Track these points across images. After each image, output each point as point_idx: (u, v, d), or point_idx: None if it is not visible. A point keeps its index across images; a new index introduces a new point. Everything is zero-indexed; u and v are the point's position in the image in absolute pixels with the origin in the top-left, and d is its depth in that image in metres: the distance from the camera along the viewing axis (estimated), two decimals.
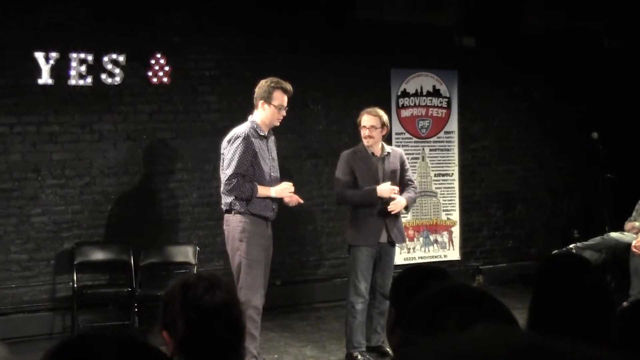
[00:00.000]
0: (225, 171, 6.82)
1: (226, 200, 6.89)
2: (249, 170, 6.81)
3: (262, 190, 6.83)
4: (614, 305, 2.79)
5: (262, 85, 6.97)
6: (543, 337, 0.93)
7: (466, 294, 1.87)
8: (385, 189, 7.19)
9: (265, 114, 6.94)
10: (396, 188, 7.23)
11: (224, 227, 7.02)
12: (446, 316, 1.73)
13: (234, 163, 6.75)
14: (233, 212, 6.84)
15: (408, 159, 8.16)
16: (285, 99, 6.98)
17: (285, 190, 7.00)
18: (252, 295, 6.75)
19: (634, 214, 10.00)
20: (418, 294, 1.92)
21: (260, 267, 6.86)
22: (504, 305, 1.84)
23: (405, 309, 1.97)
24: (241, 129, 6.90)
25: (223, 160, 6.97)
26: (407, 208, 7.50)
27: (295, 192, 7.20)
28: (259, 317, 6.89)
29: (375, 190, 7.19)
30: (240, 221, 6.82)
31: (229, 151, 6.82)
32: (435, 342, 0.96)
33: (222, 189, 6.94)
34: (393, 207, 7.24)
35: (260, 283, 6.88)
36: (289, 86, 7.00)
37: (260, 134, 6.91)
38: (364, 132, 7.32)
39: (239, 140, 6.78)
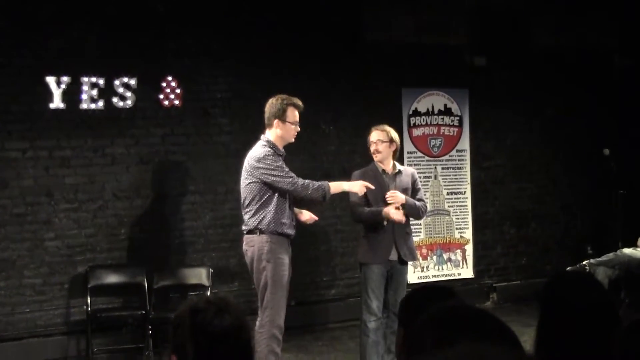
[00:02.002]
0: (283, 180, 6.74)
1: (251, 220, 6.82)
2: (276, 188, 6.80)
3: (334, 186, 6.93)
4: (620, 323, 2.79)
5: (274, 103, 6.96)
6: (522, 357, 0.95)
7: (468, 314, 1.88)
8: (392, 212, 7.19)
9: (280, 132, 6.91)
10: (402, 212, 7.23)
11: (246, 247, 6.93)
12: (448, 337, 1.73)
13: (284, 170, 6.74)
14: (258, 232, 6.82)
15: (420, 177, 8.14)
16: (298, 114, 6.99)
17: (359, 185, 7.03)
18: (276, 315, 6.78)
19: None
20: (424, 314, 1.93)
21: (284, 287, 6.86)
22: (506, 325, 1.84)
23: (412, 330, 1.98)
24: (264, 149, 6.85)
25: (249, 181, 6.87)
26: (403, 207, 7.41)
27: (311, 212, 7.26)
28: (282, 335, 6.89)
29: (381, 211, 7.21)
30: (267, 241, 6.78)
31: (266, 166, 6.75)
32: None
33: (249, 207, 6.87)
34: (391, 197, 7.26)
35: (284, 303, 6.89)
36: (299, 102, 7.00)
37: (279, 153, 6.91)
38: (371, 148, 7.36)
39: (270, 156, 6.76)
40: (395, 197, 7.27)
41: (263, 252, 6.77)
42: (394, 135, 7.46)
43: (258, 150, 6.86)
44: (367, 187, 7.02)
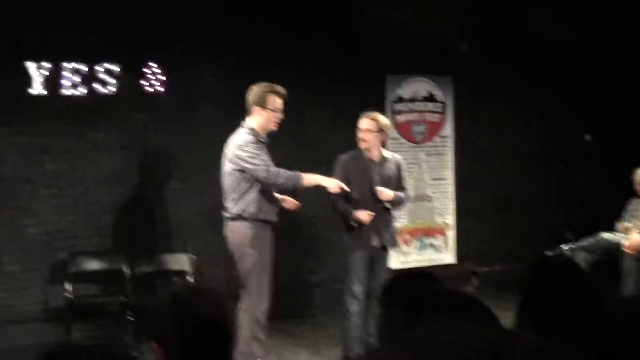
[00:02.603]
0: (259, 168, 6.77)
1: (234, 208, 6.87)
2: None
3: (308, 178, 6.97)
4: (602, 308, 2.80)
5: (255, 90, 6.98)
6: (511, 334, 0.95)
7: (452, 298, 1.88)
8: (362, 216, 7.22)
9: (261, 118, 6.95)
10: (371, 213, 7.22)
11: (228, 234, 7.00)
12: (432, 321, 1.73)
13: (260, 161, 6.77)
14: (240, 218, 6.85)
15: None
16: (280, 102, 7.00)
17: (335, 184, 7.06)
18: (260, 299, 6.90)
19: (626, 214, 10.03)
20: (407, 298, 1.93)
21: (268, 272, 6.97)
22: (490, 310, 1.85)
23: (396, 314, 1.97)
24: (246, 136, 6.88)
25: (232, 168, 6.91)
26: (391, 203, 7.48)
27: (293, 199, 7.29)
28: (266, 321, 6.99)
29: (351, 212, 7.31)
30: (249, 227, 6.85)
31: (245, 154, 6.79)
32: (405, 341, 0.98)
33: (232, 195, 6.91)
34: (381, 193, 7.31)
35: (268, 287, 6.99)
36: (282, 89, 7.02)
37: (261, 140, 6.94)
38: (359, 135, 7.37)
39: (251, 143, 6.80)
40: (383, 194, 7.31)
41: (246, 238, 6.82)
42: (385, 123, 7.49)
43: (240, 137, 6.87)
44: (342, 188, 7.04)
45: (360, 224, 7.31)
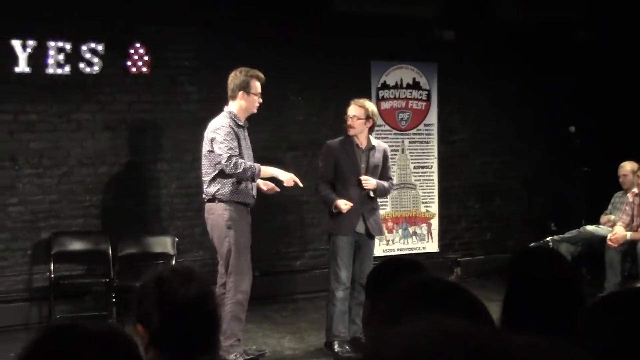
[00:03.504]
0: (223, 154, 6.85)
1: (209, 189, 7.02)
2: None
3: (265, 169, 7.03)
4: (584, 298, 2.82)
5: (238, 75, 7.14)
6: (483, 329, 0.95)
7: (439, 287, 1.88)
8: (342, 206, 7.23)
9: (245, 103, 7.11)
10: (350, 204, 7.25)
11: (206, 215, 7.14)
12: (418, 310, 1.73)
13: (228, 147, 6.85)
14: (217, 200, 6.98)
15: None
16: (260, 86, 7.17)
17: (289, 177, 7.14)
18: (241, 280, 6.98)
19: (610, 207, 10.10)
20: (393, 286, 1.93)
21: (247, 253, 7.07)
22: (477, 298, 1.85)
23: (380, 301, 1.97)
24: (223, 120, 7.03)
25: (207, 150, 7.02)
26: (374, 192, 7.52)
27: (274, 184, 7.30)
28: (247, 302, 7.07)
29: (333, 201, 7.33)
30: (226, 209, 6.97)
31: (219, 137, 6.89)
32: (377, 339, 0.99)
33: (206, 177, 7.03)
34: (365, 182, 7.36)
35: (249, 268, 7.09)
36: (261, 74, 7.21)
37: (240, 123, 7.07)
38: (347, 121, 7.39)
39: (225, 128, 6.92)
40: (368, 183, 7.35)
41: (223, 219, 6.95)
42: (372, 110, 7.50)
43: (218, 120, 7.05)
44: (295, 183, 7.15)
45: (340, 211, 7.33)
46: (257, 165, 6.97)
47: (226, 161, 6.82)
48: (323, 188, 7.46)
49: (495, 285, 8.52)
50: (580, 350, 1.01)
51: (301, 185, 7.29)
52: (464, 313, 1.77)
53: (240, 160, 6.84)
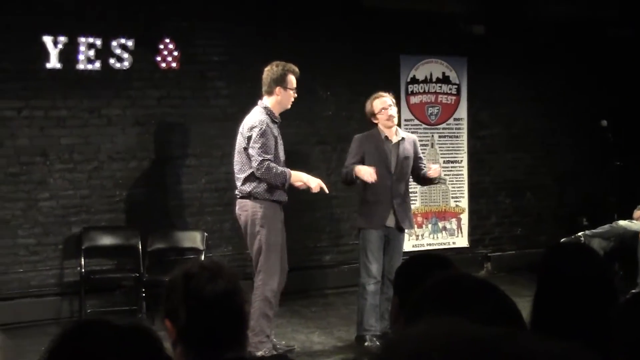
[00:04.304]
0: (255, 157, 6.82)
1: (244, 185, 6.94)
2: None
3: (295, 176, 6.98)
4: (617, 295, 2.78)
5: (275, 70, 7.04)
6: (494, 332, 0.94)
7: (467, 284, 1.85)
8: (364, 171, 7.18)
9: (281, 98, 7.05)
10: (374, 174, 7.19)
11: (239, 212, 7.11)
12: (446, 307, 1.71)
13: (263, 149, 6.81)
14: (251, 197, 6.92)
15: None
16: (295, 81, 7.11)
17: (317, 183, 7.08)
18: (270, 278, 6.97)
19: None
20: (421, 282, 1.90)
21: (278, 251, 7.04)
22: (506, 294, 1.82)
23: (408, 298, 1.95)
24: (260, 116, 6.96)
25: (242, 147, 6.98)
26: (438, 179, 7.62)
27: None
28: (275, 300, 7.07)
29: (353, 169, 7.27)
30: (259, 207, 6.94)
31: (256, 136, 6.83)
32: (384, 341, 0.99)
33: (240, 174, 6.99)
34: (433, 172, 7.45)
35: (278, 266, 7.06)
36: (297, 69, 7.15)
37: (275, 120, 7.03)
38: (386, 114, 7.33)
39: (263, 126, 6.85)
40: (435, 170, 7.49)
41: (257, 217, 6.91)
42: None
43: (254, 117, 6.96)
44: (322, 189, 7.09)
45: (372, 200, 7.28)
46: (287, 171, 6.91)
47: (258, 164, 6.78)
48: (345, 166, 7.47)
49: (526, 281, 8.47)
50: (593, 354, 0.99)
51: (327, 192, 7.24)
52: (492, 310, 1.75)
53: (272, 165, 6.80)
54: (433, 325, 0.97)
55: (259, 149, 6.79)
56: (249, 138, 6.87)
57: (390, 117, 7.35)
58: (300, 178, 7.05)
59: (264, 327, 6.96)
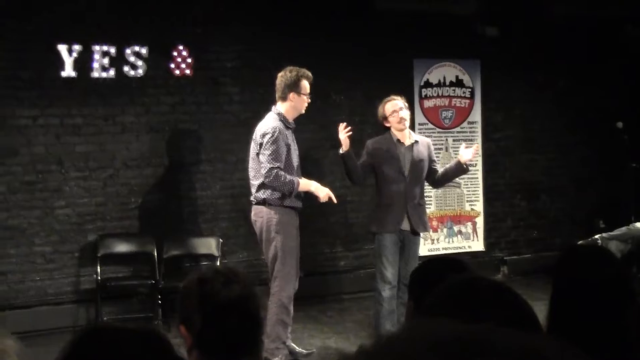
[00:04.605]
0: (264, 164, 6.82)
1: (259, 192, 6.94)
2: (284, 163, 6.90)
3: (304, 184, 6.95)
4: (634, 297, 2.75)
5: (288, 76, 7.03)
6: (476, 328, 0.93)
7: (482, 287, 1.84)
8: (343, 140, 7.19)
9: (294, 104, 7.04)
10: (348, 141, 7.17)
11: (255, 218, 7.10)
12: (462, 309, 1.70)
13: (273, 157, 6.79)
14: (266, 204, 6.93)
15: None
16: (309, 86, 7.10)
17: (325, 193, 7.07)
18: (286, 284, 6.96)
19: None
20: (436, 287, 1.89)
21: (294, 257, 7.04)
22: (522, 297, 1.81)
23: (423, 302, 1.94)
24: (273, 123, 6.94)
25: (256, 153, 6.98)
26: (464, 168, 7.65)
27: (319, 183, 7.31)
28: (291, 305, 7.05)
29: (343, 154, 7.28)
30: (275, 213, 6.94)
31: (266, 143, 6.83)
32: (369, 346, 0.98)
33: (255, 181, 7.00)
34: (466, 154, 7.51)
35: (294, 272, 7.06)
36: (310, 74, 7.14)
37: (289, 125, 7.02)
38: (397, 117, 7.31)
39: (275, 133, 6.83)
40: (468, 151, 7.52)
41: (272, 223, 6.91)
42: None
43: (267, 123, 6.97)
44: (330, 198, 7.09)
45: (386, 204, 7.28)
46: (295, 180, 6.88)
47: (266, 172, 6.78)
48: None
49: (543, 284, 8.41)
50: (578, 351, 0.98)
51: (335, 201, 7.22)
52: (508, 313, 1.74)
53: (280, 173, 6.78)
54: (416, 329, 0.97)
55: (268, 156, 6.78)
56: (261, 145, 6.87)
57: (401, 120, 7.32)
58: (309, 187, 7.02)
59: (280, 334, 6.95)
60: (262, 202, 6.95)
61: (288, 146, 6.93)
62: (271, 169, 6.76)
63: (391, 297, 7.28)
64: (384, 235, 7.32)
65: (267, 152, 6.80)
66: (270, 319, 6.83)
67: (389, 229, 7.31)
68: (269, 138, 6.81)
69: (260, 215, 7.01)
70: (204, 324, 2.56)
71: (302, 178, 7.03)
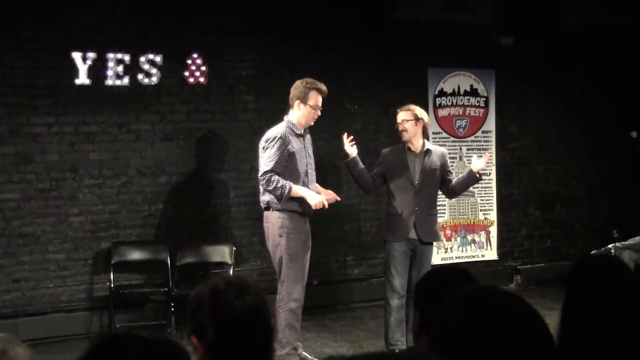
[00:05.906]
0: (260, 167, 6.98)
1: (264, 198, 7.04)
2: (285, 168, 6.93)
3: (296, 190, 6.91)
4: None
5: (298, 85, 7.13)
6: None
7: (494, 296, 1.84)
8: (347, 148, 7.39)
9: (300, 113, 7.12)
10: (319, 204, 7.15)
11: (264, 224, 7.18)
12: (473, 319, 1.70)
13: (270, 161, 6.89)
14: (272, 209, 7.01)
15: None
16: (320, 99, 7.16)
17: (318, 200, 6.99)
18: (293, 288, 6.98)
19: None
20: (441, 297, 1.89)
21: (300, 261, 7.05)
22: (532, 307, 1.80)
23: (430, 312, 1.94)
24: (278, 129, 7.05)
25: (261, 159, 7.06)
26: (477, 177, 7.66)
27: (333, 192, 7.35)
28: (300, 310, 7.07)
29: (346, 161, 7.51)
30: (279, 217, 6.99)
31: (267, 149, 6.93)
32: None
33: (260, 187, 7.07)
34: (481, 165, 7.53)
35: (301, 276, 7.07)
36: (323, 87, 7.16)
37: (297, 132, 7.08)
38: (399, 129, 7.42)
39: (277, 140, 6.92)
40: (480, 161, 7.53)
41: (277, 227, 7.02)
42: (420, 112, 7.47)
43: (273, 129, 7.13)
44: (324, 205, 7.06)
45: (395, 213, 7.29)
46: (287, 185, 6.87)
47: (260, 175, 6.93)
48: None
49: (556, 294, 8.37)
50: None
51: (327, 207, 7.18)
52: (518, 323, 1.73)
53: (273, 177, 6.83)
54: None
55: (266, 159, 6.92)
56: (263, 148, 7.02)
57: (401, 133, 7.40)
58: (302, 194, 6.98)
59: (291, 339, 6.95)
60: (267, 207, 7.05)
61: (292, 153, 6.97)
62: (265, 172, 6.88)
63: (400, 306, 7.28)
64: (393, 244, 7.34)
65: (265, 156, 6.94)
66: (280, 324, 6.85)
67: (397, 237, 7.34)
68: (270, 142, 6.94)
69: (267, 221, 7.11)
70: (216, 334, 2.56)
71: (300, 185, 6.99)
